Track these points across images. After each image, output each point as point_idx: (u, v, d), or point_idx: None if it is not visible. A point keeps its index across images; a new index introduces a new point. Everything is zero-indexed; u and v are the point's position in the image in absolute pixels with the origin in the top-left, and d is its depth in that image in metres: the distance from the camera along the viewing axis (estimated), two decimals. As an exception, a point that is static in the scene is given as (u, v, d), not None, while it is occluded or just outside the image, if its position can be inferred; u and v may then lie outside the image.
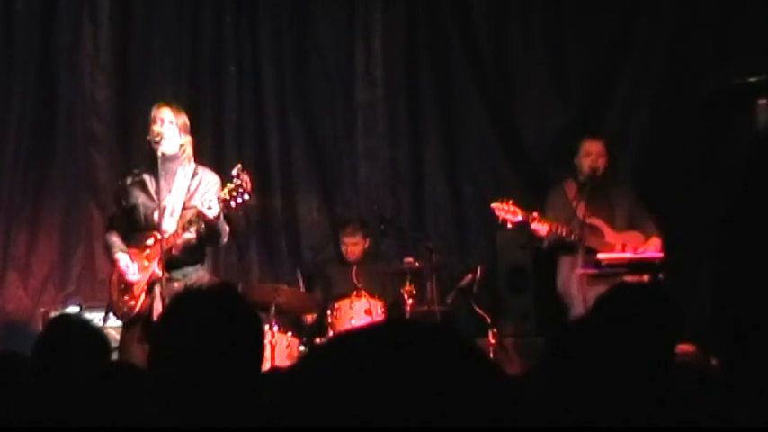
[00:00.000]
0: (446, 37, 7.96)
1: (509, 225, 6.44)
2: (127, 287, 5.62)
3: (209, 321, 2.13)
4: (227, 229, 5.76)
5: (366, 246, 7.39)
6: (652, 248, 6.48)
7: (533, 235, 6.52)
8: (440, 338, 1.11)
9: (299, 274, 7.43)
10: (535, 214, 6.39)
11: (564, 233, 6.38)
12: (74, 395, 2.69)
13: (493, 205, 6.49)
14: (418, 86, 8.00)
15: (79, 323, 3.67)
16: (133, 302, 5.59)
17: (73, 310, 6.71)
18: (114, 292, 5.70)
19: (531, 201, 6.80)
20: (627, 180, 7.03)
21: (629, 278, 6.16)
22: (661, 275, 6.26)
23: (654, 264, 6.32)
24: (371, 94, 7.96)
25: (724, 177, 7.00)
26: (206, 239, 5.70)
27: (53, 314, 6.37)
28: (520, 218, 6.37)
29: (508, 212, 6.39)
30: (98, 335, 3.50)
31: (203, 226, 5.57)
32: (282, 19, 7.91)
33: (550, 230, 6.37)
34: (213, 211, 5.44)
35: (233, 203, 5.49)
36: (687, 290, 6.72)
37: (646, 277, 6.21)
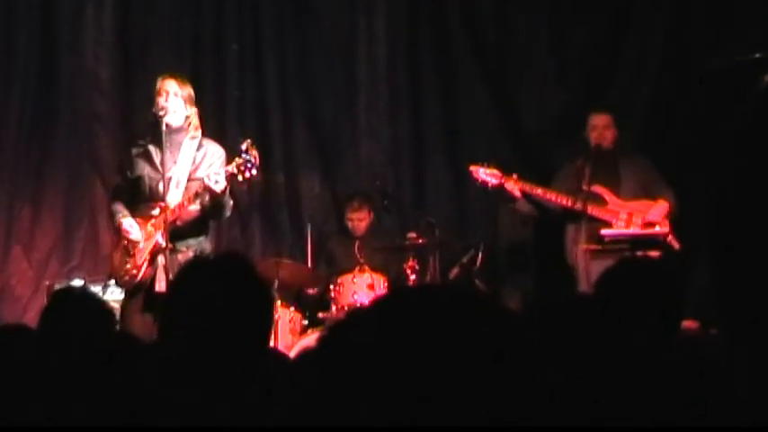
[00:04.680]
0: (447, 15, 7.94)
1: (489, 186, 6.52)
2: (130, 255, 5.64)
3: (218, 290, 2.13)
4: (232, 202, 5.79)
5: (371, 220, 7.41)
6: (658, 211, 6.47)
7: (511, 197, 6.57)
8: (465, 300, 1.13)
9: (308, 249, 7.39)
10: (515, 176, 6.48)
11: (561, 201, 6.41)
12: (79, 367, 2.71)
13: (471, 168, 6.57)
14: (420, 65, 7.99)
15: (83, 295, 3.69)
16: (135, 271, 5.60)
17: (77, 283, 6.73)
18: (117, 259, 5.72)
19: (531, 176, 6.81)
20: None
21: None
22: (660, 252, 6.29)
23: (657, 240, 6.34)
24: (373, 72, 7.95)
25: (725, 156, 7.00)
26: (210, 213, 5.73)
27: (57, 287, 6.40)
28: (497, 180, 6.47)
29: (487, 174, 6.49)
30: (103, 306, 3.52)
31: (208, 199, 5.60)
32: (284, -4, 7.90)
33: (524, 191, 6.44)
34: (220, 185, 5.47)
35: (240, 177, 5.53)
36: (689, 266, 6.75)
37: (653, 253, 6.25)
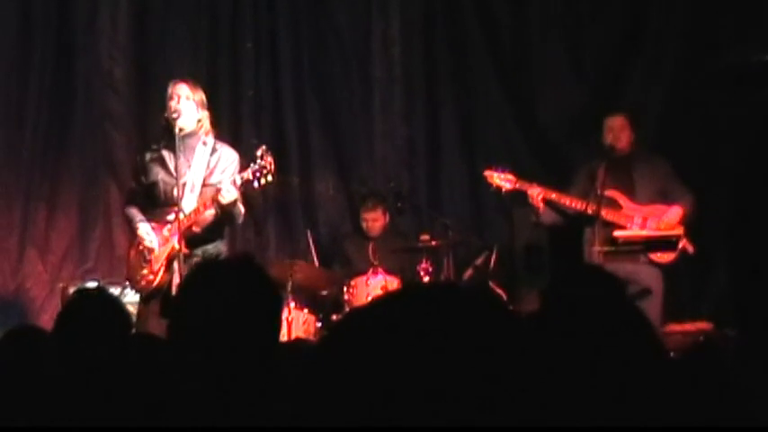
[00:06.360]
0: (463, 16, 7.94)
1: (504, 191, 6.51)
2: (146, 261, 5.65)
3: (227, 292, 2.13)
4: (243, 210, 5.79)
5: (386, 221, 7.39)
6: (672, 215, 6.43)
7: (534, 208, 6.56)
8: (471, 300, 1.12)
9: (311, 249, 7.38)
10: (534, 184, 6.46)
11: (576, 206, 6.39)
12: (95, 368, 2.71)
13: (486, 173, 6.56)
14: (435, 65, 7.99)
15: (101, 296, 3.68)
16: (152, 276, 5.62)
17: (91, 285, 6.74)
18: (133, 265, 5.73)
19: (547, 179, 6.79)
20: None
21: (651, 256, 6.24)
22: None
23: (671, 242, 6.32)
24: (389, 72, 7.96)
25: (741, 155, 6.98)
26: (223, 218, 5.73)
27: (72, 290, 6.40)
28: (512, 185, 6.45)
29: (502, 179, 6.47)
30: (119, 308, 3.51)
31: (218, 207, 5.60)
32: (300, -4, 7.92)
33: (544, 196, 6.42)
34: (228, 196, 5.46)
35: (256, 184, 5.53)
36: (705, 266, 6.72)
37: (668, 255, 6.26)
